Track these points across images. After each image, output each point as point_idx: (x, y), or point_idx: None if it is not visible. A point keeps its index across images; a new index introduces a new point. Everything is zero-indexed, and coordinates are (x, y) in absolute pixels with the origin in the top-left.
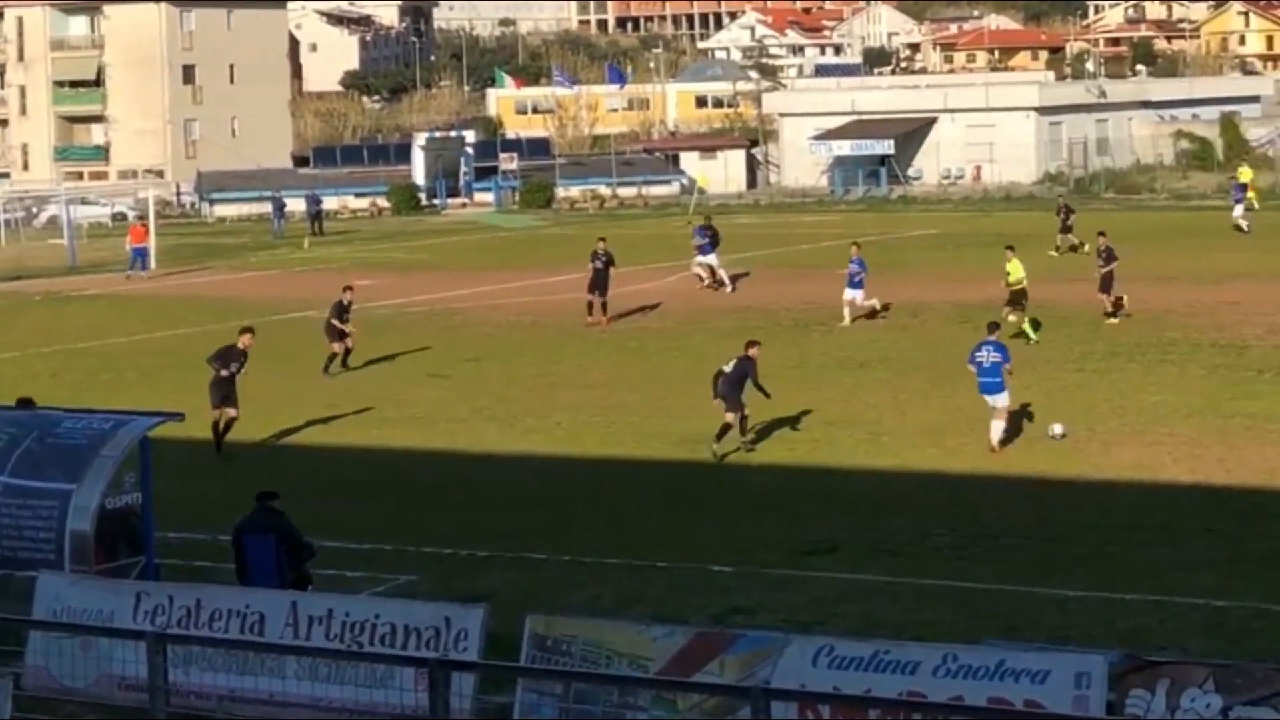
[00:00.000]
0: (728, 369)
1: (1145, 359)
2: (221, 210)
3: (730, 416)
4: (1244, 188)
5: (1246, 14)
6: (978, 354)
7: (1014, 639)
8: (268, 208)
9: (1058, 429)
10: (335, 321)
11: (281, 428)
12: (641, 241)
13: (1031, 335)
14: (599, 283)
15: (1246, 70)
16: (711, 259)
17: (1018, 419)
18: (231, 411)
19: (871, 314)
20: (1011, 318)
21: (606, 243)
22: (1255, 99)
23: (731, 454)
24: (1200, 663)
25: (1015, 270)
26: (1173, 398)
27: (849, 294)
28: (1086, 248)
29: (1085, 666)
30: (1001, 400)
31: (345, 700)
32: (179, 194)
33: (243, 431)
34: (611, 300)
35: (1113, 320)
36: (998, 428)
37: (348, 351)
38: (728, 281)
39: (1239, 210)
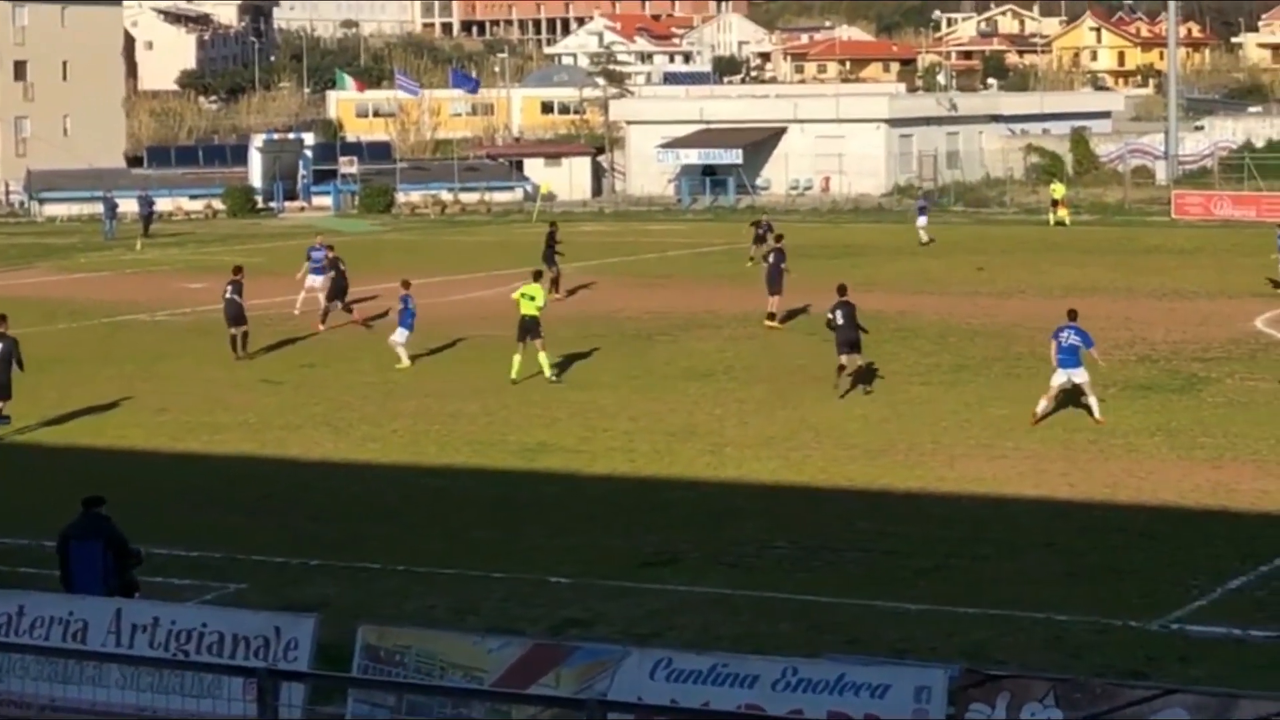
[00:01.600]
0: (839, 319)
1: (991, 373)
2: (52, 210)
3: (861, 360)
4: (929, 198)
5: (1098, 30)
6: (1060, 334)
7: (854, 652)
8: (99, 208)
9: None
10: (237, 297)
11: (111, 431)
12: (483, 248)
13: (549, 374)
14: (336, 291)
15: (1098, 86)
16: (317, 281)
17: (873, 431)
18: None
19: (399, 360)
20: (542, 354)
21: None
22: (1106, 115)
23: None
24: (1040, 677)
25: (537, 296)
26: (1019, 412)
27: (401, 334)
28: (749, 265)
29: (925, 680)
30: (1079, 375)
31: (171, 710)
32: (8, 192)
33: (71, 434)
34: (453, 305)
35: (773, 324)
36: (1093, 404)
37: (245, 335)
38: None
39: (922, 220)
